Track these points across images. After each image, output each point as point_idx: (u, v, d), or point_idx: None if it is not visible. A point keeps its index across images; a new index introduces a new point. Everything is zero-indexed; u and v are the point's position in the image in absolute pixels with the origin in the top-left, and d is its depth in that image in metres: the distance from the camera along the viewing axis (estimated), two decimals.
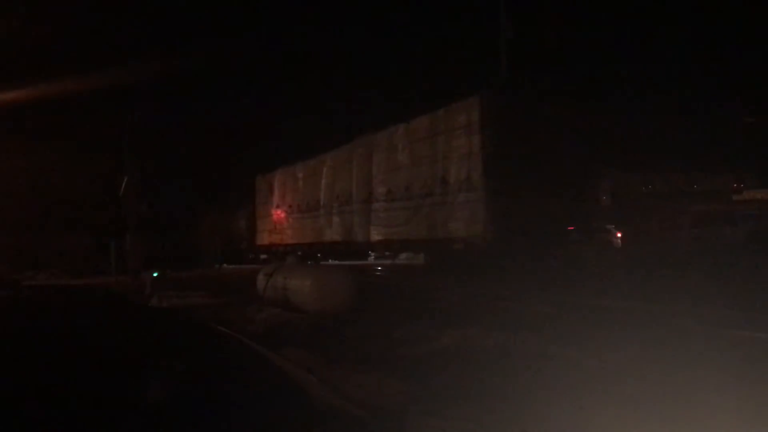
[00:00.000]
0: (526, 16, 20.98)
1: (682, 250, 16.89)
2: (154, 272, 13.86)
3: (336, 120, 27.03)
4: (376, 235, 15.09)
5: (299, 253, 20.95)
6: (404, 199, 13.80)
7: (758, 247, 16.20)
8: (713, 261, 13.55)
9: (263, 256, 25.48)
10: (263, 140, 28.57)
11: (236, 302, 12.02)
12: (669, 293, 10.02)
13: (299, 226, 21.56)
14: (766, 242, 16.97)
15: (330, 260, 19.92)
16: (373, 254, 17.07)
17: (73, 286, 20.46)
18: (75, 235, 27.66)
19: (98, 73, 21.36)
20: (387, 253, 16.21)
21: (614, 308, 9.28)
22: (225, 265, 27.47)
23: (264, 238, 26.26)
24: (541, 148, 11.17)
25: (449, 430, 3.67)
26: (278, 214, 23.46)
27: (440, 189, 12.49)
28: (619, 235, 23.65)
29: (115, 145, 24.07)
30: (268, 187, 25.32)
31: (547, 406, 4.30)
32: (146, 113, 24.99)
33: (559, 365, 5.60)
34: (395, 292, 13.30)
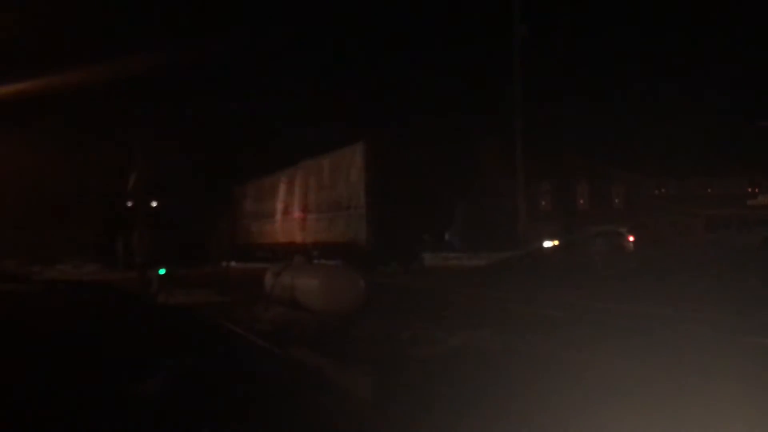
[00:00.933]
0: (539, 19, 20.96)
1: (696, 254, 16.72)
2: (161, 269, 13.85)
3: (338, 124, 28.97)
4: (308, 239, 19.48)
5: (268, 252, 24.25)
6: (326, 212, 18.10)
7: None
8: (727, 266, 13.37)
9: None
10: (264, 140, 30.24)
11: (243, 300, 11.98)
12: (682, 298, 9.88)
13: (262, 230, 25.94)
14: None
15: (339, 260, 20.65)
16: None
17: (81, 281, 20.52)
18: (83, 231, 27.77)
19: (107, 68, 21.44)
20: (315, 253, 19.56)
21: (625, 312, 9.16)
22: (232, 263, 27.73)
23: (240, 238, 29.83)
24: (408, 178, 15.53)
25: None
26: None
27: (345, 205, 16.74)
28: (631, 238, 23.50)
29: (124, 141, 24.18)
30: (242, 195, 29.73)
31: (556, 412, 4.22)
32: (155, 108, 25.22)
33: (570, 370, 5.50)
34: (402, 293, 13.24)
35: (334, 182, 17.45)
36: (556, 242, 23.95)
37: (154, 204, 25.99)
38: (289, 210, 22.38)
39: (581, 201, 35.62)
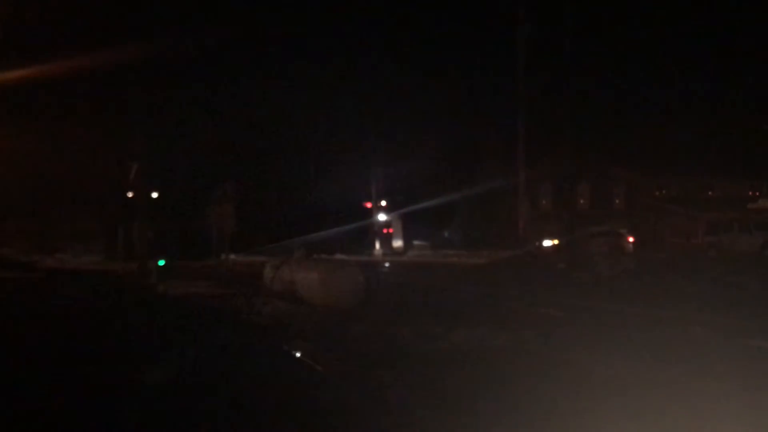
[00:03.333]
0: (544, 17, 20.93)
1: (696, 256, 16.74)
2: (161, 260, 13.87)
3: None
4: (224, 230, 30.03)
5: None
6: (226, 218, 27.54)
7: None
8: (727, 269, 13.38)
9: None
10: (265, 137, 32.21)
11: (242, 293, 11.97)
12: (681, 300, 9.88)
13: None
14: None
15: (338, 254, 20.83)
16: None
17: (81, 270, 20.53)
18: (84, 221, 27.80)
19: (110, 56, 21.35)
20: None
21: (625, 313, 9.15)
22: (232, 255, 27.93)
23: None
24: (255, 204, 26.96)
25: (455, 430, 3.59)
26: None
27: (230, 215, 25.58)
28: (631, 239, 23.54)
29: (126, 132, 24.14)
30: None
31: (554, 412, 4.22)
32: (158, 98, 25.26)
33: (568, 369, 5.51)
34: (401, 289, 13.24)
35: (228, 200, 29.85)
36: (556, 241, 23.99)
37: (155, 195, 25.96)
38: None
39: (581, 201, 35.55)
